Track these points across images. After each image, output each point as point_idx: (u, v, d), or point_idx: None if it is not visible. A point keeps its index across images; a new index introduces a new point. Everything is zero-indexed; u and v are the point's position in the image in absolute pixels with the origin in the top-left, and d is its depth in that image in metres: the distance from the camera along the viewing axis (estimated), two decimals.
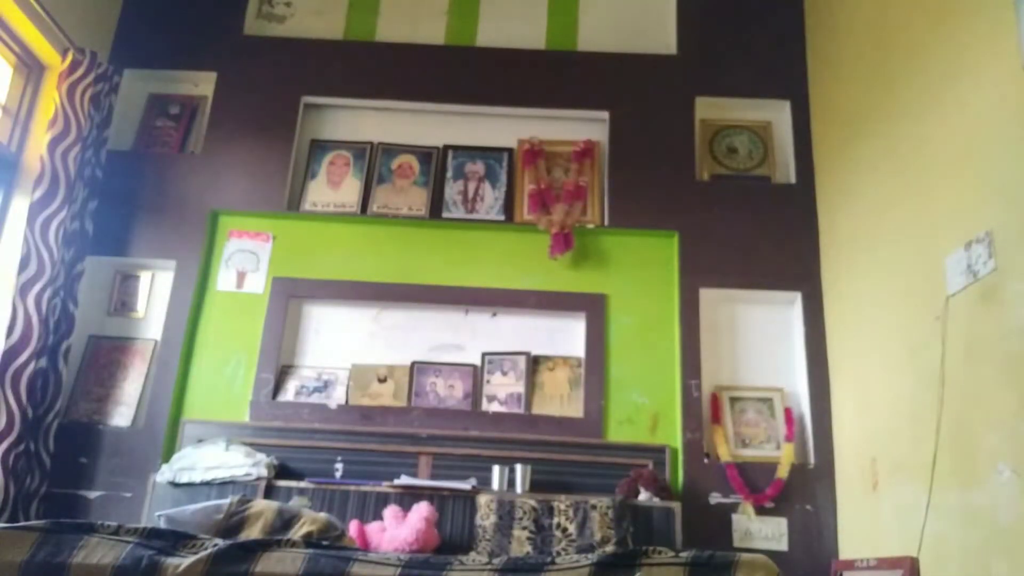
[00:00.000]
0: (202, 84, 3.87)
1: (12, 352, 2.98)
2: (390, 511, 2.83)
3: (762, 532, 3.13)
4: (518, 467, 3.05)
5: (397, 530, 2.73)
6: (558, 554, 2.67)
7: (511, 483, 3.04)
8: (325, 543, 1.61)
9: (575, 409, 3.38)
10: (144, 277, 3.58)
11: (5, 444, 2.92)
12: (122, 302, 3.56)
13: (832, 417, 3.26)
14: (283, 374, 3.45)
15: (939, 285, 2.46)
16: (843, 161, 3.32)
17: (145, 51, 3.84)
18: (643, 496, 2.98)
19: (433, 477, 3.14)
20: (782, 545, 3.10)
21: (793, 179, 3.67)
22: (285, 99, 3.79)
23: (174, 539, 1.59)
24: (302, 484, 2.99)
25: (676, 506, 2.97)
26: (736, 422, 3.35)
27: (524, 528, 2.82)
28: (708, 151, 3.77)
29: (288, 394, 3.40)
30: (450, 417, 3.34)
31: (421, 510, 2.78)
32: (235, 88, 3.80)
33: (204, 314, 3.49)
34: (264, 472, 2.98)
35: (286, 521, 2.49)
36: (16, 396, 2.96)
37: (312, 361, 3.51)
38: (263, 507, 2.56)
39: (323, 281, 3.54)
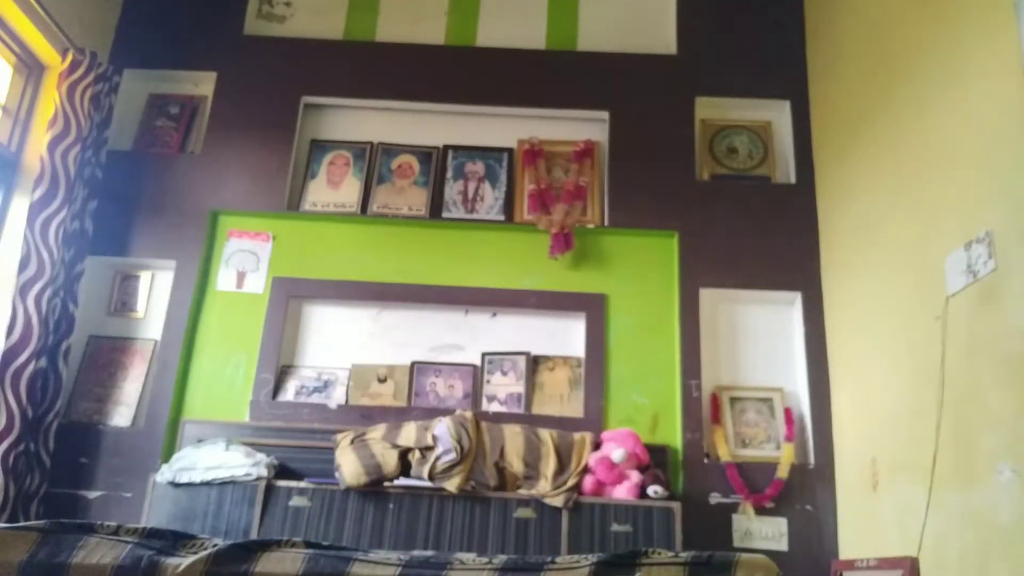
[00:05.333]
0: (202, 84, 3.87)
1: (12, 352, 2.98)
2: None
3: (762, 532, 3.13)
4: None
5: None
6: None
7: None
8: (325, 543, 1.62)
9: (575, 409, 3.38)
10: (144, 277, 3.58)
11: (5, 444, 2.92)
12: (122, 302, 3.56)
13: (832, 417, 3.26)
14: (283, 374, 3.46)
15: (939, 285, 2.46)
16: (843, 161, 3.32)
17: (145, 51, 3.84)
18: (650, 490, 2.98)
19: None
20: (782, 545, 3.11)
21: (793, 179, 3.67)
22: (285, 99, 3.79)
23: (174, 539, 1.59)
24: (302, 484, 2.99)
25: (676, 506, 2.96)
26: (736, 422, 3.35)
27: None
28: (708, 151, 3.77)
29: (288, 394, 3.40)
30: None
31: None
32: (235, 88, 3.80)
33: (204, 314, 3.49)
34: (264, 472, 2.98)
35: None
36: (16, 396, 2.96)
37: (312, 361, 3.51)
38: None
39: (323, 281, 3.54)
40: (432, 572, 1.47)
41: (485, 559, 1.52)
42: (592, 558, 1.47)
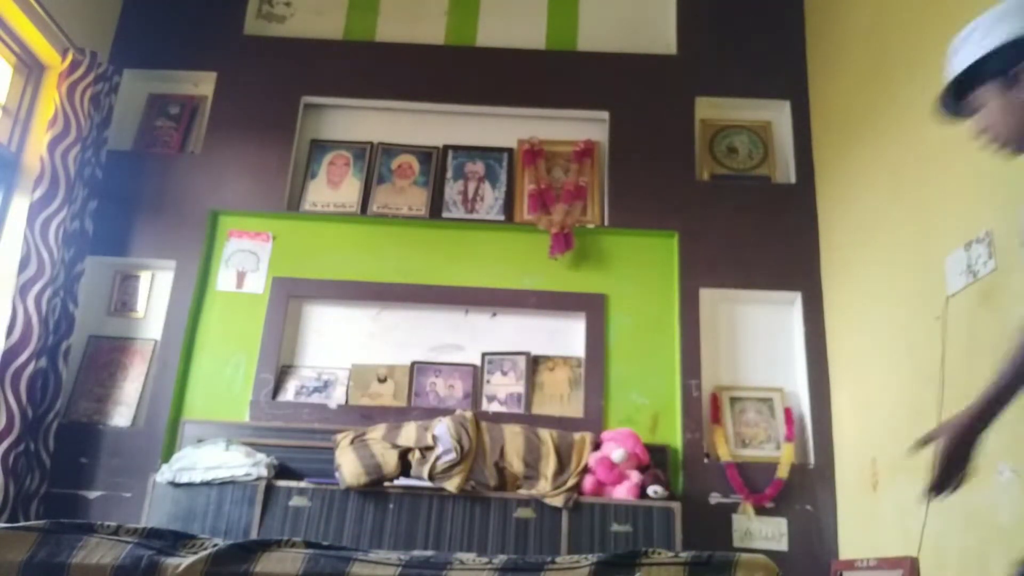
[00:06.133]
0: (202, 84, 3.87)
1: (12, 352, 2.98)
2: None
3: (762, 532, 3.13)
4: None
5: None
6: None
7: None
8: (325, 543, 1.62)
9: (575, 409, 3.38)
10: (144, 277, 3.58)
11: (5, 444, 2.92)
12: (122, 302, 3.56)
13: (832, 417, 3.26)
14: (283, 374, 3.46)
15: (939, 285, 2.46)
16: (843, 161, 3.32)
17: (145, 51, 3.84)
18: (650, 490, 2.98)
19: None
20: (782, 545, 3.11)
21: (793, 179, 3.67)
22: (285, 99, 3.79)
23: (174, 539, 1.59)
24: (302, 484, 2.99)
25: (676, 506, 2.96)
26: (736, 422, 3.35)
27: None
28: (708, 151, 3.77)
29: (288, 394, 3.40)
30: None
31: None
32: (235, 88, 3.80)
33: (204, 314, 3.49)
34: (264, 472, 2.98)
35: None
36: (16, 396, 2.96)
37: (312, 361, 3.51)
38: None
39: (323, 281, 3.54)
40: (432, 572, 1.47)
41: (485, 559, 1.52)
42: (592, 558, 1.47)
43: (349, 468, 2.95)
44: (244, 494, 2.93)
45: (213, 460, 2.99)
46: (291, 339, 3.53)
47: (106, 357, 3.45)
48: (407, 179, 3.74)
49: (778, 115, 3.81)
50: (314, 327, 3.57)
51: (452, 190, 3.71)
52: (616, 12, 4.00)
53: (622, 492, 2.99)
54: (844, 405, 3.19)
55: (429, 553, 1.62)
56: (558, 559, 1.50)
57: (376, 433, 3.08)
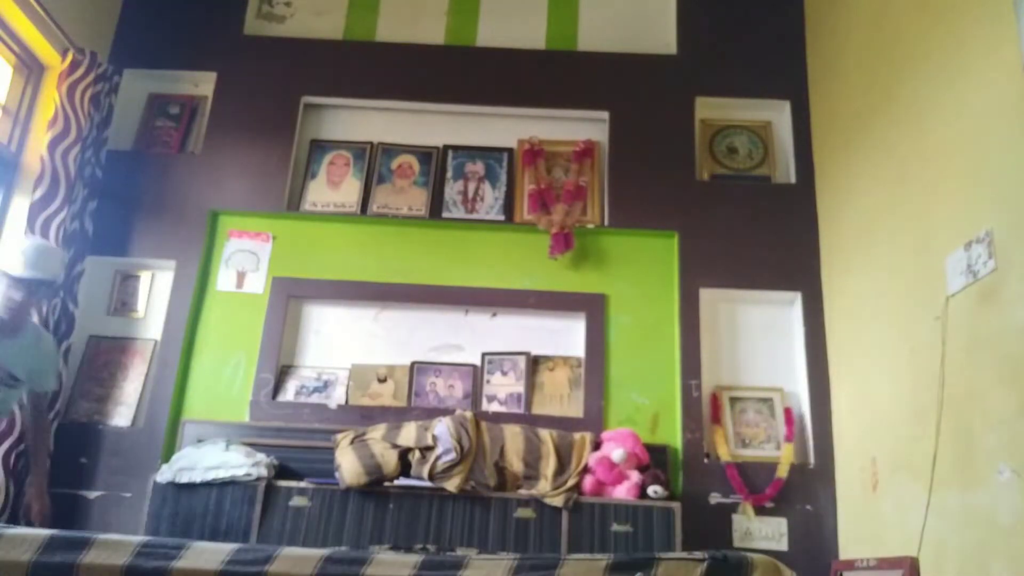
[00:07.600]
0: (202, 84, 3.87)
1: None
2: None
3: (762, 532, 3.13)
4: None
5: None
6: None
7: None
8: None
9: (575, 409, 3.38)
10: (144, 277, 3.58)
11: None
12: (122, 302, 3.56)
13: (832, 417, 3.26)
14: (283, 374, 3.45)
15: (939, 285, 2.46)
16: (843, 161, 3.32)
17: (145, 51, 3.84)
18: (650, 490, 2.99)
19: None
20: (782, 545, 3.11)
21: (793, 179, 3.67)
22: (285, 99, 3.79)
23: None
24: (302, 484, 2.99)
25: (676, 506, 2.96)
26: (736, 422, 3.35)
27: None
28: (708, 151, 3.77)
29: (288, 394, 3.40)
30: None
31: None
32: (235, 88, 3.80)
33: (204, 314, 3.49)
34: (264, 472, 2.98)
35: None
36: None
37: (312, 361, 3.51)
38: None
39: (323, 281, 3.54)
40: (447, 572, 1.47)
41: (503, 556, 1.53)
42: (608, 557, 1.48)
43: (349, 468, 2.95)
44: (244, 494, 2.93)
45: (213, 460, 2.99)
46: (291, 339, 3.53)
47: (106, 357, 3.45)
48: (407, 179, 3.74)
49: (778, 115, 3.81)
50: (314, 327, 3.57)
51: (452, 190, 3.71)
52: (616, 12, 4.00)
53: (622, 492, 2.99)
54: (844, 405, 3.19)
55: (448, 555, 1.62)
56: (574, 556, 1.51)
57: (376, 433, 3.08)
